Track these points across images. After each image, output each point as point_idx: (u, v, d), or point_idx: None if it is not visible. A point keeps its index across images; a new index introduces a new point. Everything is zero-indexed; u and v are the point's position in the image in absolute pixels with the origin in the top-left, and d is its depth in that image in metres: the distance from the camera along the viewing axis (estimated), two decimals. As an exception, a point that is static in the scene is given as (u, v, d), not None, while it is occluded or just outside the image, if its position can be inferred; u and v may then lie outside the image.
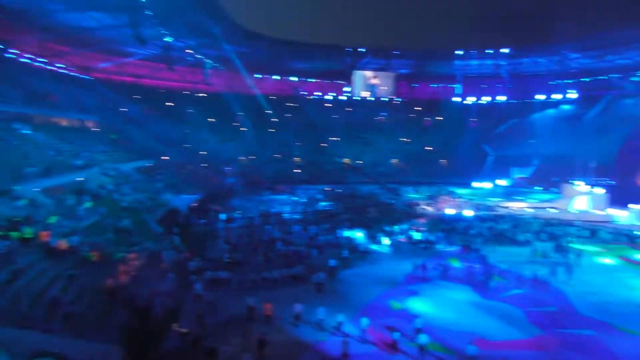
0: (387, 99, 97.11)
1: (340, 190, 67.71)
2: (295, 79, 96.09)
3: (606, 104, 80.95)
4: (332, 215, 47.67)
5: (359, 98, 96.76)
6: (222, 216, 44.11)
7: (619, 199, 52.91)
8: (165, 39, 56.84)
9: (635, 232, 41.26)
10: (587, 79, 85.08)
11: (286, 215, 48.56)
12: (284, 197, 61.66)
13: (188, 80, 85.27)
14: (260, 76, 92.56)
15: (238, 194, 60.39)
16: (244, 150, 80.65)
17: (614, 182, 62.18)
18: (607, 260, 33.20)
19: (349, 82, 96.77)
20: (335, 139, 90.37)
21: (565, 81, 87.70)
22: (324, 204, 57.10)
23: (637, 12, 62.25)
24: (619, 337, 19.91)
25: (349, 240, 36.91)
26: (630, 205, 50.12)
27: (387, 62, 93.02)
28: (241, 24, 68.23)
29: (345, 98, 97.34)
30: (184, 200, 46.80)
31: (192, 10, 56.16)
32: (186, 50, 68.09)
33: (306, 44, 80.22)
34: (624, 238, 39.62)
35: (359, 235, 38.38)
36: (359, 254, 32.84)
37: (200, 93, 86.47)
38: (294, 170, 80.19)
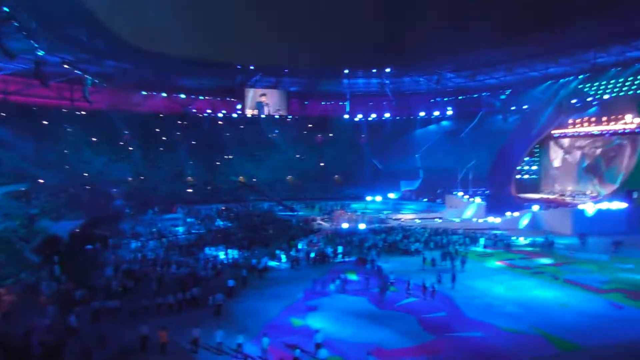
0: (279, 117, 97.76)
1: (236, 209, 66.69)
2: (184, 96, 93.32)
3: (479, 120, 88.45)
4: (229, 234, 46.62)
5: (251, 116, 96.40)
6: (110, 241, 41.25)
7: (495, 207, 57.80)
8: (37, 53, 52.30)
9: (512, 237, 45.18)
10: (462, 97, 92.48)
11: (180, 237, 46.65)
12: (177, 218, 59.28)
13: (66, 97, 79.09)
14: (146, 93, 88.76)
15: (127, 217, 56.93)
16: (133, 171, 76.47)
17: (489, 192, 67.85)
18: (488, 264, 35.91)
19: (240, 100, 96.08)
20: (229, 157, 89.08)
21: (443, 99, 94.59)
22: (219, 223, 55.76)
23: (500, 37, 69.06)
24: (503, 336, 21.41)
25: (247, 259, 36.30)
26: (506, 213, 55.00)
27: (278, 79, 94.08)
28: (125, 38, 65.08)
29: (237, 116, 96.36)
30: (65, 226, 43.09)
31: (68, 23, 52.57)
32: (63, 65, 63.30)
33: (195, 60, 78.31)
34: (501, 243, 43.18)
35: (256, 253, 37.94)
36: (258, 272, 32.33)
37: (81, 111, 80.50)
38: (187, 190, 77.63)
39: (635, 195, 50.70)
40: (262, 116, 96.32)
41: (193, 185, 79.73)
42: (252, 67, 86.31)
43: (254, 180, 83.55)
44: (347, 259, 37.27)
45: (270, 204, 71.91)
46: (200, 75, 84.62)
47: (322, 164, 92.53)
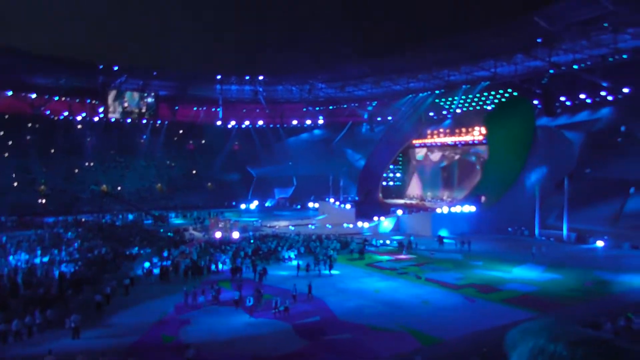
0: (146, 121, 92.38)
1: (97, 220, 62.03)
2: (35, 95, 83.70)
3: (349, 130, 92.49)
4: (90, 248, 42.96)
5: (114, 119, 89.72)
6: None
7: (364, 213, 60.67)
8: None
9: (379, 241, 47.65)
10: (332, 107, 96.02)
11: (29, 252, 41.87)
12: (27, 232, 53.32)
13: None
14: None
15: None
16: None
17: (358, 199, 71.05)
18: (359, 267, 37.45)
19: (103, 103, 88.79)
20: (89, 164, 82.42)
21: (315, 108, 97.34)
22: (73, 235, 51.07)
23: (368, 52, 73.44)
24: (372, 335, 22.39)
25: (112, 273, 33.74)
26: (374, 218, 57.98)
27: (146, 82, 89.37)
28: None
29: (98, 119, 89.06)
30: None
31: None
32: None
33: (49, 56, 71.02)
34: (371, 247, 45.38)
35: (122, 267, 35.47)
36: (124, 287, 30.18)
37: None
38: (40, 201, 70.38)
39: (482, 199, 56.45)
40: (128, 120, 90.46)
41: (47, 195, 72.48)
42: (115, 68, 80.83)
43: (119, 189, 78.41)
44: (221, 269, 36.42)
45: (137, 214, 67.98)
46: (56, 74, 77.02)
47: (194, 172, 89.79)
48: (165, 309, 26.44)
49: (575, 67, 58.79)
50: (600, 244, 43.50)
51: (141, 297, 29.23)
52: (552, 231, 48.61)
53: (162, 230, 56.01)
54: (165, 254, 39.38)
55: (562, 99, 64.90)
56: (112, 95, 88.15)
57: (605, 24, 51.65)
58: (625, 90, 57.53)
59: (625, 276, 32.44)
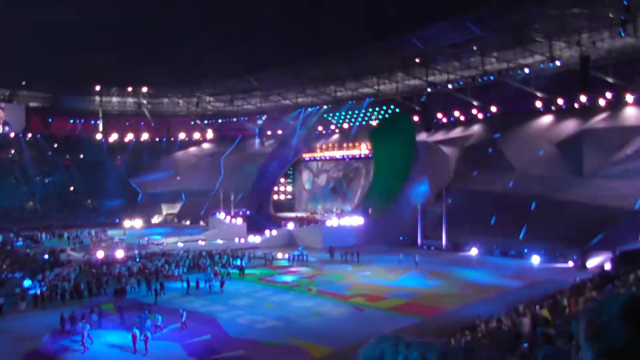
0: (15, 134, 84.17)
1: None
2: None
3: (239, 143, 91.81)
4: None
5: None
6: None
7: (255, 227, 60.44)
8: None
9: (270, 254, 47.59)
10: (222, 120, 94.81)
11: None
12: None
13: None
14: None
15: None
16: None
17: (249, 213, 70.58)
18: (251, 282, 37.15)
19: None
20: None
21: (204, 122, 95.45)
22: None
23: (253, 66, 74.02)
24: (264, 350, 22.32)
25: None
26: (266, 231, 57.97)
27: (13, 92, 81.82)
28: None
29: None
30: None
31: None
32: None
33: None
34: (262, 260, 45.26)
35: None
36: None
37: None
38: None
39: (370, 211, 58.88)
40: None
41: None
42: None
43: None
44: (102, 291, 34.10)
45: (5, 235, 61.58)
46: None
47: (72, 188, 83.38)
48: (39, 337, 24.14)
49: (449, 86, 63.91)
50: (474, 251, 47.24)
51: (11, 325, 26.48)
52: (432, 241, 51.83)
53: (32, 252, 51.20)
54: (40, 277, 36.06)
55: (439, 115, 70.10)
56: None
57: (474, 47, 57.02)
58: (493, 108, 63.49)
59: (496, 279, 35.74)
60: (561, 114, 57.26)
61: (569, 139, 53.32)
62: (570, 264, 39.56)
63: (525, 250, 43.59)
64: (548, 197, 46.95)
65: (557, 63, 52.85)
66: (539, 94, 58.11)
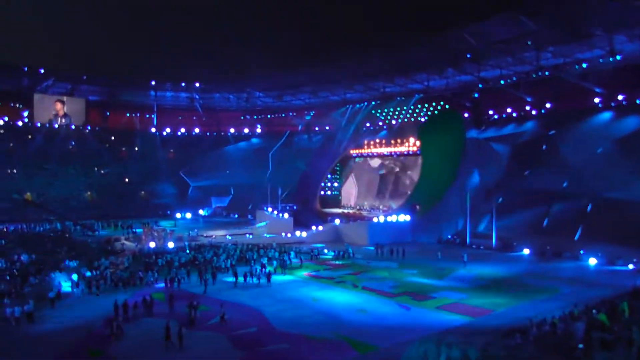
0: (75, 127, 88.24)
1: (19, 230, 58.55)
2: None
3: (286, 139, 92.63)
4: (13, 261, 40.31)
5: (40, 124, 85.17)
6: None
7: (302, 222, 60.85)
8: None
9: (315, 250, 47.82)
10: (270, 116, 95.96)
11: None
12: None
13: None
14: None
15: None
16: None
17: (296, 208, 71.17)
18: (297, 277, 37.41)
19: (28, 107, 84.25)
20: (11, 171, 77.71)
21: (253, 117, 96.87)
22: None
23: (305, 62, 74.27)
24: (309, 344, 22.40)
25: (36, 286, 31.81)
26: (312, 227, 58.27)
27: (74, 86, 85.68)
28: None
29: (22, 124, 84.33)
30: None
31: None
32: None
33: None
34: (308, 255, 45.52)
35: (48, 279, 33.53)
36: (50, 301, 28.48)
37: None
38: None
39: (417, 208, 58.11)
40: (56, 126, 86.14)
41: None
42: (41, 70, 76.91)
43: (42, 197, 74.28)
44: (154, 279, 35.23)
45: (64, 224, 64.68)
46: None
47: (127, 180, 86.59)
48: (94, 323, 25.21)
49: (502, 82, 62.02)
50: (526, 251, 45.87)
51: (68, 310, 27.79)
52: (482, 240, 50.66)
53: (90, 240, 53.55)
54: (95, 264, 37.67)
55: (490, 112, 68.25)
56: (37, 99, 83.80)
57: (529, 42, 55.00)
58: (548, 105, 61.31)
59: (549, 282, 34.48)
60: (621, 111, 54.58)
61: (629, 136, 50.73)
62: (630, 267, 37.79)
63: (581, 252, 41.92)
64: (606, 196, 44.98)
65: (618, 57, 50.40)
66: (597, 90, 55.58)
